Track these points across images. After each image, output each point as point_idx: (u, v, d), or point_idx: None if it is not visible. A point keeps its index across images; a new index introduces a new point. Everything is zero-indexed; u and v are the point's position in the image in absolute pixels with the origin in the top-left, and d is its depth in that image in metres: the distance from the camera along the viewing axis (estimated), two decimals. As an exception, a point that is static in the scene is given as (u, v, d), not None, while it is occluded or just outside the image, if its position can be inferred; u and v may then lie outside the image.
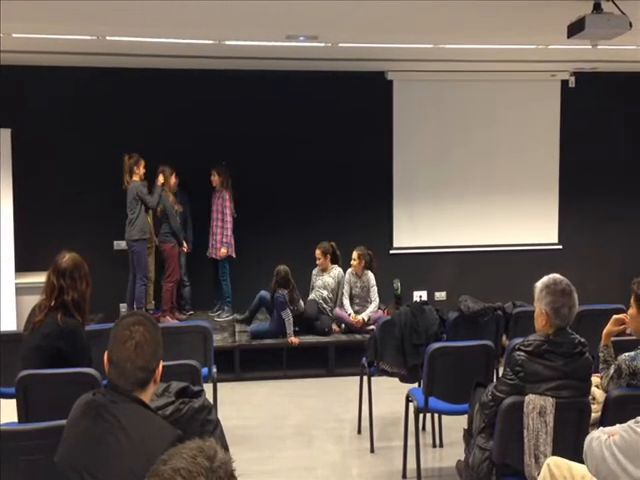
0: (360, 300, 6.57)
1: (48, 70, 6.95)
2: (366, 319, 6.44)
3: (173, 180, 6.93)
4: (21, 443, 2.60)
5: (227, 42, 6.01)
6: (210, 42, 6.01)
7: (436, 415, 4.58)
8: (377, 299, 6.54)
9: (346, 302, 6.55)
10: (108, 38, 5.76)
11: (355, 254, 6.45)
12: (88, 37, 5.72)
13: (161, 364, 2.15)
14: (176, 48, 6.20)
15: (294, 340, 6.28)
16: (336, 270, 6.68)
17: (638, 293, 3.10)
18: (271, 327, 6.43)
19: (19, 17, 4.79)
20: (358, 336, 6.35)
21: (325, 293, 6.63)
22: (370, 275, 6.50)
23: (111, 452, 1.93)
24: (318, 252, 6.62)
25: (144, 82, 7.21)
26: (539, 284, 3.00)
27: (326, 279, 6.67)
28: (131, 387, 2.05)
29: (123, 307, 7.07)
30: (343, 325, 6.53)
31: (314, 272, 6.78)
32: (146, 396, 2.10)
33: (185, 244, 7.01)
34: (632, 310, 3.13)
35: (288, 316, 6.28)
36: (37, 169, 7.08)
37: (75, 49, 6.25)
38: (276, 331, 6.37)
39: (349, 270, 6.56)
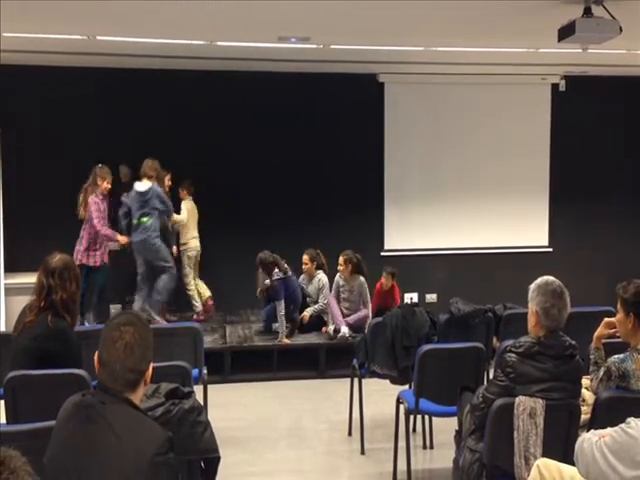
0: (350, 304, 6.45)
1: (38, 70, 6.91)
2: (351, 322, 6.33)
3: (167, 182, 6.90)
4: (9, 444, 2.57)
5: (219, 43, 6.02)
6: (202, 43, 6.01)
7: (426, 417, 4.59)
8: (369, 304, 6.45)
9: (333, 301, 6.45)
10: (99, 38, 5.75)
11: (341, 259, 6.35)
12: (79, 37, 5.70)
13: (151, 365, 2.13)
14: (167, 49, 6.20)
15: (285, 340, 6.27)
16: (317, 278, 6.71)
17: (624, 297, 3.11)
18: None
19: (9, 16, 4.75)
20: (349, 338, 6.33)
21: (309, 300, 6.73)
22: (361, 280, 6.37)
23: (100, 453, 1.92)
24: (306, 257, 6.62)
25: (135, 82, 7.19)
26: (532, 285, 3.04)
27: (310, 289, 6.75)
28: (121, 388, 2.04)
29: (113, 308, 7.03)
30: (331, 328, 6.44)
31: (300, 280, 6.79)
32: (136, 397, 2.09)
33: (175, 247, 6.95)
34: (619, 315, 3.15)
35: (281, 309, 6.19)
36: (26, 169, 7.04)
37: (66, 49, 6.23)
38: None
39: (338, 275, 6.50)
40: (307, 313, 6.60)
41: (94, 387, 2.12)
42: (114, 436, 1.93)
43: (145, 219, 6.33)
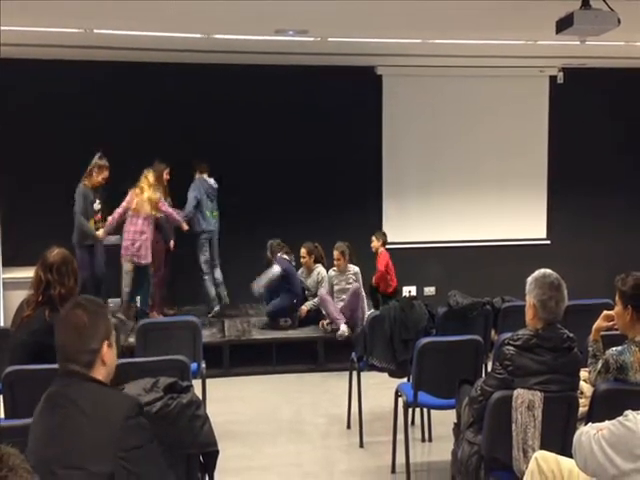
0: (346, 295, 6.36)
1: (32, 63, 6.86)
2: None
3: (165, 176, 6.88)
4: (8, 439, 2.57)
5: (216, 36, 5.99)
6: (199, 36, 5.99)
7: (425, 409, 4.60)
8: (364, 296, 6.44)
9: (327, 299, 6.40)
10: (96, 31, 5.72)
11: (336, 253, 6.33)
12: (75, 30, 5.67)
13: (105, 344, 2.15)
14: (165, 41, 6.18)
15: (256, 288, 6.43)
16: (316, 271, 6.73)
17: (622, 290, 3.11)
18: (283, 300, 6.52)
19: (4, 10, 4.72)
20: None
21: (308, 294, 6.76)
22: (356, 269, 6.40)
23: (74, 435, 1.96)
24: (304, 251, 6.66)
25: (131, 76, 7.15)
26: (530, 277, 3.04)
27: (309, 282, 6.78)
28: (79, 369, 2.09)
29: (111, 303, 7.02)
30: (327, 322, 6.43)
31: (299, 274, 6.82)
32: (98, 376, 2.12)
33: (172, 241, 6.95)
34: (617, 307, 3.15)
35: (274, 272, 6.38)
36: (23, 163, 7.01)
37: (62, 42, 6.19)
38: (289, 302, 6.50)
39: (332, 269, 6.49)
40: (305, 307, 6.61)
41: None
42: (83, 415, 1.98)
43: (216, 213, 6.98)
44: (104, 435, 1.93)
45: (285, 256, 6.57)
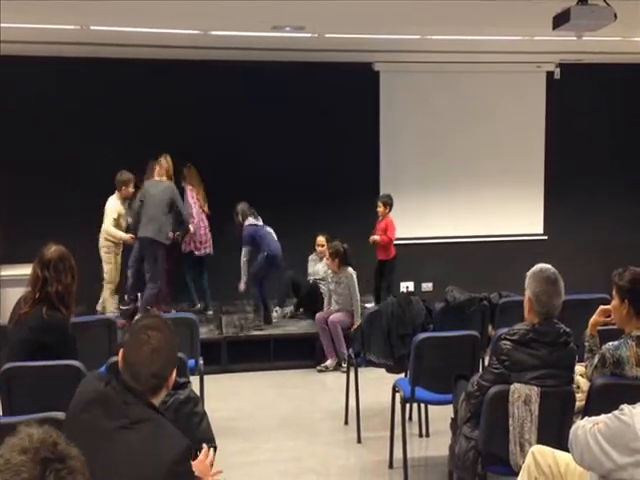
0: (338, 297, 6.08)
1: (29, 60, 6.83)
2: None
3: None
4: (5, 436, 2.57)
5: (213, 32, 5.98)
6: (196, 32, 5.98)
7: (422, 405, 4.60)
8: (358, 301, 6.02)
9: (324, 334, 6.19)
10: (92, 28, 5.71)
11: (327, 252, 6.17)
12: (72, 27, 5.66)
13: (175, 371, 2.11)
14: (162, 38, 6.16)
15: (242, 287, 6.54)
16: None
17: (619, 284, 3.13)
18: (260, 262, 6.56)
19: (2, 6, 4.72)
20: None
21: (312, 279, 6.79)
22: (349, 273, 6.01)
23: (118, 450, 1.88)
24: (322, 239, 6.64)
25: (128, 73, 7.13)
26: (528, 272, 3.06)
27: (318, 267, 6.75)
28: (144, 391, 2.01)
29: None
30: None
31: (310, 258, 6.84)
32: (156, 400, 2.07)
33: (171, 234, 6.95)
34: (614, 302, 3.16)
35: (243, 255, 6.50)
36: (21, 160, 7.00)
37: (58, 39, 6.18)
38: (268, 261, 6.53)
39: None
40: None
41: (114, 379, 2.05)
42: (135, 438, 1.89)
43: None
44: (150, 470, 1.85)
45: (252, 220, 6.62)
